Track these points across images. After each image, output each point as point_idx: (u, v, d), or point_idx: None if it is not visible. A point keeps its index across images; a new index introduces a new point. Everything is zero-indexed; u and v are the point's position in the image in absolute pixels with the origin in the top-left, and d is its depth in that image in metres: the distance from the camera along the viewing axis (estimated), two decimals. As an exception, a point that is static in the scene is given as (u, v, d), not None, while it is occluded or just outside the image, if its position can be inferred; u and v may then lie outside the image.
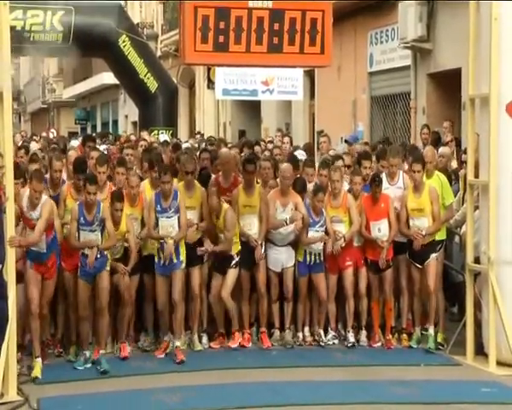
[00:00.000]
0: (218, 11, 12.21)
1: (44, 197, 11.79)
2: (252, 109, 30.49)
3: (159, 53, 34.23)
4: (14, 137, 14.78)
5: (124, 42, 25.46)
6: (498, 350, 11.78)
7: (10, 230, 10.88)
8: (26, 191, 11.77)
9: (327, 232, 13.50)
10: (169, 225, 12.61)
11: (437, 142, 16.81)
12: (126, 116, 42.66)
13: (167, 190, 12.65)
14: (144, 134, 24.65)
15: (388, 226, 13.41)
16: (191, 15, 12.16)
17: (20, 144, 19.31)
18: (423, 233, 13.02)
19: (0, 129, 11.13)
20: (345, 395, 10.95)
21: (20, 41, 20.45)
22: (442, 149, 15.34)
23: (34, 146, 20.27)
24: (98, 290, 12.03)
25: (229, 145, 19.04)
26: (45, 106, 58.31)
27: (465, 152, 13.91)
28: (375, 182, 13.50)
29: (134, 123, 37.00)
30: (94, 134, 28.38)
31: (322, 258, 13.56)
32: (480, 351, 12.29)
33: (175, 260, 12.67)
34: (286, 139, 19.91)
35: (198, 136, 28.33)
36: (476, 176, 12.50)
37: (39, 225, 11.44)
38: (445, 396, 10.91)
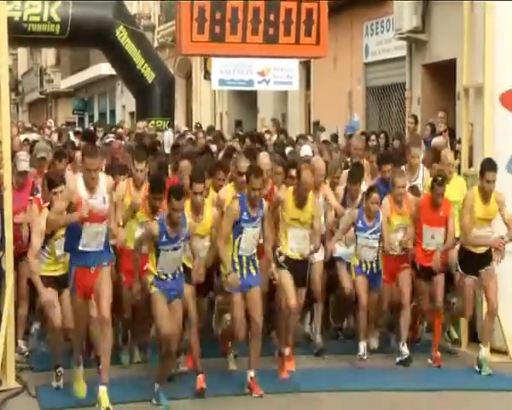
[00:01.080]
0: (214, 2, 12.19)
1: (103, 176, 10.20)
2: (248, 100, 30.53)
3: (156, 44, 34.15)
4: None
5: (121, 33, 25.46)
6: (492, 338, 11.86)
7: (8, 223, 10.88)
8: (75, 177, 10.30)
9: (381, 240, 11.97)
10: (252, 237, 10.84)
11: (432, 133, 16.85)
12: (124, 106, 42.66)
13: (258, 196, 10.75)
14: (140, 124, 24.66)
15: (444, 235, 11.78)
16: (187, 6, 12.15)
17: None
18: (505, 240, 11.41)
19: (12, 120, 11.15)
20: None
21: (17, 32, 20.36)
22: (436, 140, 15.33)
23: (34, 136, 20.19)
24: (172, 314, 10.18)
25: (229, 138, 18.62)
26: (43, 96, 58.27)
27: (459, 142, 13.95)
28: (437, 181, 11.69)
29: (131, 113, 36.95)
30: (93, 126, 28.14)
31: (379, 268, 12.14)
32: (474, 339, 12.27)
33: (253, 272, 10.99)
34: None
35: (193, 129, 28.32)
36: (470, 166, 12.56)
37: (112, 211, 10.46)
38: (445, 384, 11.07)
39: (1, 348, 10.16)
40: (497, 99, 11.85)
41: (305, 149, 15.90)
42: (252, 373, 10.65)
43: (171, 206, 9.99)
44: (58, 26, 23.84)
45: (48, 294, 10.17)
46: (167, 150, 17.01)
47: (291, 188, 11.62)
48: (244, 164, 11.53)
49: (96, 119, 47.63)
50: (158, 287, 10.06)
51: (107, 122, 39.59)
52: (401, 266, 12.12)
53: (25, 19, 22.91)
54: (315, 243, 11.57)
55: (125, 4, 29.35)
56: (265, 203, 10.91)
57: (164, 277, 10.13)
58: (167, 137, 19.30)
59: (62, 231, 10.04)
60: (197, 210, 10.99)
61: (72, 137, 19.51)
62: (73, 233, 9.72)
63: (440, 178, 11.73)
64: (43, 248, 10.24)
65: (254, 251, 10.84)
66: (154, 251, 10.08)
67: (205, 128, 23.85)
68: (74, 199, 9.54)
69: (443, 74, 19.09)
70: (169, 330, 9.97)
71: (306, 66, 23.65)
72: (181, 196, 10.06)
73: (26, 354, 11.77)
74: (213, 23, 12.17)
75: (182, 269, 10.41)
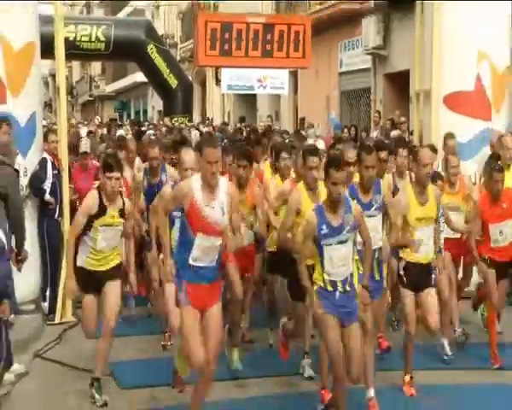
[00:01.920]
0: (223, 25, 12.24)
1: (222, 179, 6.67)
2: (249, 101, 30.48)
3: (178, 58, 34.02)
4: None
5: (151, 49, 25.38)
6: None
7: (66, 198, 10.21)
8: (190, 179, 6.61)
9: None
10: (371, 229, 7.00)
11: (392, 125, 16.77)
12: (153, 107, 42.56)
13: (372, 177, 7.23)
14: (166, 120, 24.63)
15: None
16: (203, 28, 12.17)
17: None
18: None
19: (58, 114, 11.18)
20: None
21: (72, 49, 20.28)
22: (394, 132, 15.28)
23: (84, 130, 20.08)
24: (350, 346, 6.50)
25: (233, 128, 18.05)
26: (92, 98, 58.13)
27: (412, 133, 13.91)
28: (496, 168, 8.47)
29: (159, 111, 36.84)
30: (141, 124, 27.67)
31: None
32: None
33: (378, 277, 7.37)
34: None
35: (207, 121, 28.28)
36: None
37: (236, 222, 6.87)
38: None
39: (61, 290, 9.94)
40: (441, 101, 11.76)
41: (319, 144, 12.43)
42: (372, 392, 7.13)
43: (331, 179, 6.37)
44: (103, 44, 23.82)
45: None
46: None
47: (409, 183, 8.20)
48: (352, 154, 7.63)
49: (132, 116, 47.51)
50: (325, 307, 6.46)
51: (141, 119, 39.39)
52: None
53: (78, 39, 22.86)
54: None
55: (154, 27, 29.23)
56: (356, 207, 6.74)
57: (331, 288, 6.49)
58: (193, 135, 19.10)
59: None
60: (242, 186, 8.34)
61: (83, 134, 18.12)
62: (184, 243, 6.53)
63: (499, 165, 8.68)
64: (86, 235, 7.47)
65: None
66: (316, 252, 6.54)
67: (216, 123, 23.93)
68: (186, 203, 6.31)
69: (399, 82, 19.01)
70: (342, 372, 6.45)
71: (294, 75, 23.54)
72: (341, 166, 6.48)
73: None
74: (223, 41, 12.19)
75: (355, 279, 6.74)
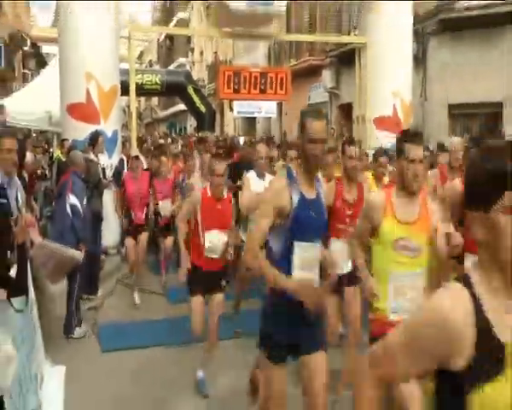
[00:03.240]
0: (234, 73, 12.06)
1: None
2: (251, 121, 30.38)
3: (206, 94, 33.87)
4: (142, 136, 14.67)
5: (189, 89, 25.17)
6: None
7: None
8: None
9: None
10: None
11: (342, 136, 16.64)
12: (190, 125, 42.37)
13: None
14: (200, 134, 24.48)
15: None
16: (222, 75, 11.99)
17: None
18: None
19: (130, 130, 11.23)
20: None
21: (139, 89, 20.15)
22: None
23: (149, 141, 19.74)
24: None
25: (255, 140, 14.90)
26: (152, 120, 57.75)
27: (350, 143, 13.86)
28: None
29: (194, 128, 36.74)
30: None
31: None
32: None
33: None
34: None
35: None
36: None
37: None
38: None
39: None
40: (372, 122, 11.82)
41: None
42: None
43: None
44: (159, 86, 23.69)
45: None
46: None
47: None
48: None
49: (177, 131, 47.22)
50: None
51: (183, 133, 39.19)
52: None
53: (143, 83, 22.67)
54: None
55: (191, 74, 29.08)
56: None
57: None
58: (241, 141, 17.97)
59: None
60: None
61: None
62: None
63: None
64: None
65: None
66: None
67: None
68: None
69: (346, 110, 18.95)
70: None
71: (280, 105, 23.44)
72: None
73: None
74: (234, 83, 11.97)
75: None
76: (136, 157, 8.03)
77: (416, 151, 3.25)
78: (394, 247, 3.27)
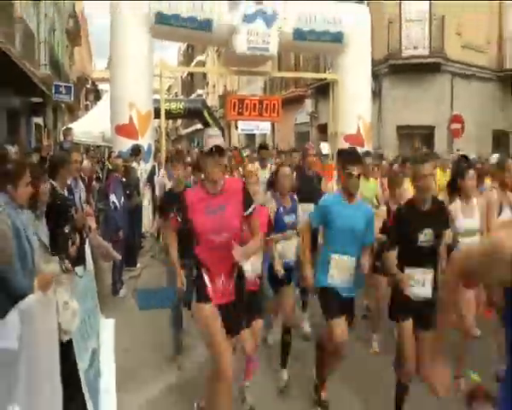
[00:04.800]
0: (239, 100, 11.84)
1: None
2: (251, 136, 30.36)
3: (218, 116, 33.79)
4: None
5: (205, 113, 25.01)
6: None
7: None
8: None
9: None
10: None
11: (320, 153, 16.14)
12: (206, 140, 42.30)
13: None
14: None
15: None
16: (229, 102, 11.84)
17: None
18: None
19: (160, 145, 11.00)
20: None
21: (168, 114, 19.91)
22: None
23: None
24: None
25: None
26: (176, 137, 57.26)
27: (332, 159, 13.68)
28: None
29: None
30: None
31: None
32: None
33: None
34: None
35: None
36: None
37: None
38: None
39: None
40: (342, 138, 11.76)
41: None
42: None
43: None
44: (182, 111, 23.42)
45: None
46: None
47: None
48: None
49: (196, 145, 47.14)
50: None
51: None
52: None
53: (171, 109, 22.37)
54: None
55: (206, 102, 28.94)
56: None
57: None
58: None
59: None
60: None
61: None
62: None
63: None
64: None
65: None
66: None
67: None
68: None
69: (323, 129, 18.88)
70: None
71: (273, 125, 23.40)
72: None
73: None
74: (238, 108, 11.66)
75: None
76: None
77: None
78: None
